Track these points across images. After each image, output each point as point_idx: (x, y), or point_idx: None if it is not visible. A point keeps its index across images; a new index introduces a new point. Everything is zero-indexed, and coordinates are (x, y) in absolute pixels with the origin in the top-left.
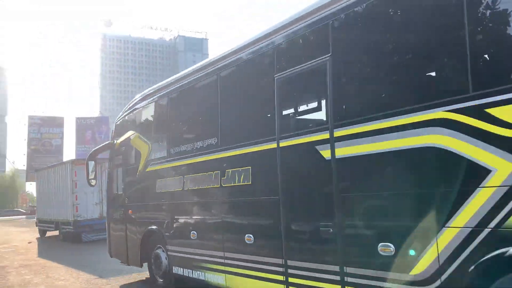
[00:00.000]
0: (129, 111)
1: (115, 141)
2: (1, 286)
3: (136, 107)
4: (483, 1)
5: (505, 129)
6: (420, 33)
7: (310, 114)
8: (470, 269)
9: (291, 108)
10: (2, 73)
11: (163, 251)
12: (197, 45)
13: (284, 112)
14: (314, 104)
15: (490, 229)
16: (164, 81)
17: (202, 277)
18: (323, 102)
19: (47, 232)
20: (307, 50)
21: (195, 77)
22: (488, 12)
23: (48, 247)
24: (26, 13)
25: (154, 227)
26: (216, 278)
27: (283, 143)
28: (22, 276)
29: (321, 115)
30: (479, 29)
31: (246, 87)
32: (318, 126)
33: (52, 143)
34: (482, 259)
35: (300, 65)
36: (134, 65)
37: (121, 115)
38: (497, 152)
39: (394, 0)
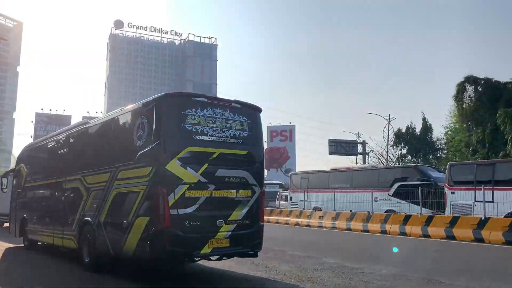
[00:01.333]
0: (22, 152)
1: (16, 168)
2: None
3: (25, 150)
4: None
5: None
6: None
7: (64, 169)
8: (85, 225)
9: (61, 166)
10: (13, 70)
11: (27, 228)
12: (206, 50)
13: (62, 168)
14: (64, 165)
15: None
16: (34, 141)
17: (38, 239)
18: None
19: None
20: (62, 145)
21: (42, 143)
22: None
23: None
24: (35, 12)
25: (25, 215)
26: (41, 238)
27: (58, 180)
28: None
29: (64, 171)
30: None
31: (54, 154)
32: (63, 174)
33: None
34: (82, 220)
35: (63, 150)
36: (143, 67)
37: (19, 155)
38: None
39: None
